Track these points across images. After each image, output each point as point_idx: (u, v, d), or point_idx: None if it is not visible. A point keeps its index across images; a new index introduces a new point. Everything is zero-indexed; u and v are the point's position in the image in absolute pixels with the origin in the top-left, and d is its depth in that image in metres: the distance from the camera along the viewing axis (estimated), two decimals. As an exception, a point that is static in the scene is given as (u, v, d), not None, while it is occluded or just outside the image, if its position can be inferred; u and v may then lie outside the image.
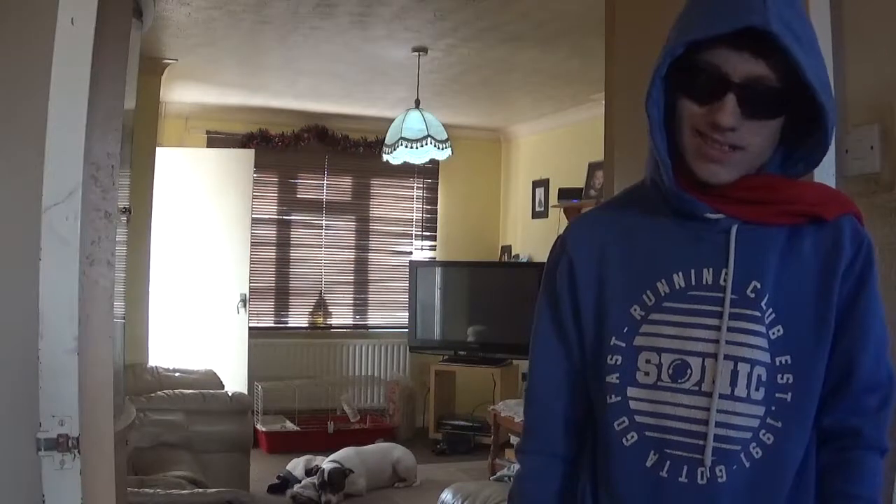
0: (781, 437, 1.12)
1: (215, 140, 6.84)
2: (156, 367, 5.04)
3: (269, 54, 5.21)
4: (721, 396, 1.11)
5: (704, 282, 1.15)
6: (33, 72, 1.54)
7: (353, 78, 5.77)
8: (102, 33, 1.58)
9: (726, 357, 1.12)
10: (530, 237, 7.31)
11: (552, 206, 6.68)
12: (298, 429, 6.51)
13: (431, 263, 7.45)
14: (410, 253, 7.66)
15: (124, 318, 2.73)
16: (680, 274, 1.16)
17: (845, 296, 1.14)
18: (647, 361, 1.16)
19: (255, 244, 6.69)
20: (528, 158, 7.53)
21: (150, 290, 5.25)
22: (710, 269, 1.15)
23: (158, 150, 5.33)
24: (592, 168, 6.18)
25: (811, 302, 1.14)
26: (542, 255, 6.77)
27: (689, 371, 1.13)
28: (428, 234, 7.76)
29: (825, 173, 1.79)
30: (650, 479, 1.14)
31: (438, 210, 7.74)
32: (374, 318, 7.54)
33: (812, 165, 1.18)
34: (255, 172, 6.43)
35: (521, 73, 5.52)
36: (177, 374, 4.99)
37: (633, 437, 1.15)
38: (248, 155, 6.44)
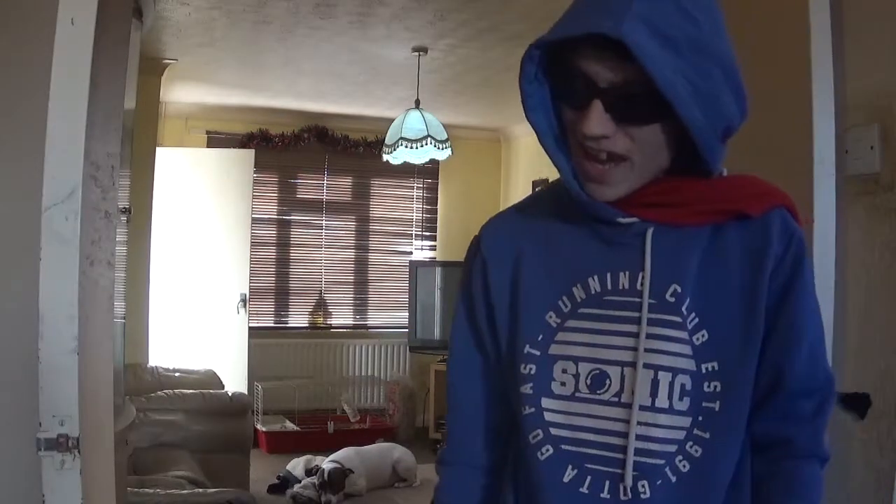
0: (710, 449, 1.05)
1: (215, 140, 6.85)
2: (156, 367, 5.04)
3: (269, 54, 5.21)
4: (641, 408, 1.05)
5: (621, 286, 1.08)
6: (33, 72, 1.54)
7: (353, 78, 5.77)
8: (102, 33, 1.58)
9: (646, 366, 1.05)
10: (530, 237, 7.29)
11: (552, 206, 6.67)
12: (298, 429, 6.51)
13: (431, 263, 7.45)
14: (410, 253, 7.66)
15: (124, 318, 2.73)
16: (595, 278, 1.10)
17: (775, 294, 1.06)
18: (564, 371, 1.09)
19: (255, 244, 6.69)
20: (528, 158, 7.53)
21: (150, 290, 5.25)
22: (627, 273, 1.08)
23: (158, 150, 5.33)
24: (592, 168, 6.17)
25: (737, 303, 1.06)
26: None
27: (608, 381, 1.07)
28: (428, 234, 7.76)
29: (825, 173, 1.78)
30: (570, 495, 1.07)
31: (438, 210, 7.74)
32: (374, 318, 7.54)
33: (708, 170, 1.07)
34: (255, 172, 6.43)
35: (521, 73, 5.51)
36: (177, 374, 4.99)
37: (548, 450, 1.09)
38: (248, 155, 6.44)
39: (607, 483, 1.06)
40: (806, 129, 1.78)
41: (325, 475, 4.98)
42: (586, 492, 1.06)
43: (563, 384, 1.09)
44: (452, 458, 1.23)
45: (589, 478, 1.07)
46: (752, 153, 1.91)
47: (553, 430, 1.09)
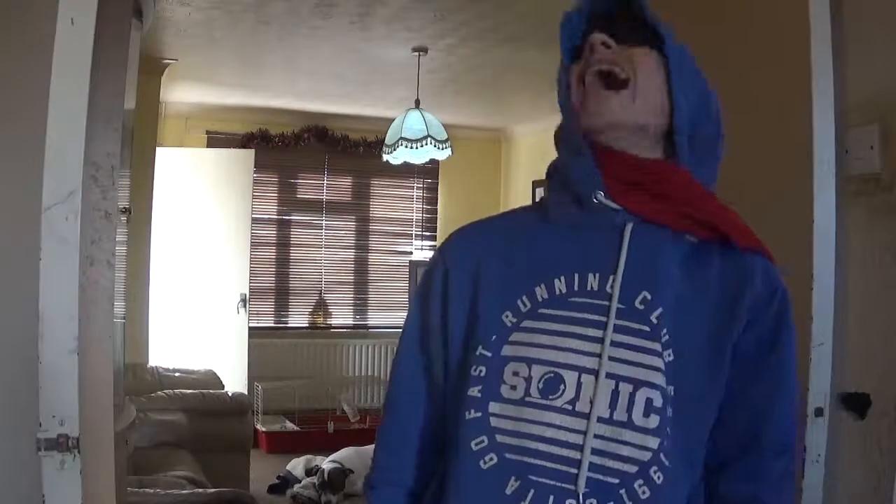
0: (671, 478, 0.98)
1: (215, 140, 6.85)
2: (156, 367, 5.03)
3: (269, 54, 5.21)
4: (599, 419, 0.97)
5: (589, 287, 1.03)
6: (33, 72, 1.54)
7: (353, 78, 5.77)
8: (102, 33, 1.58)
9: (608, 375, 0.98)
10: (530, 237, 7.29)
11: (552, 206, 6.67)
12: (298, 429, 6.51)
13: (431, 263, 7.45)
14: (410, 253, 7.66)
15: (124, 318, 2.73)
16: (562, 278, 1.04)
17: (754, 347, 1.03)
18: (515, 374, 1.02)
19: (255, 244, 6.69)
20: (528, 158, 7.53)
21: (150, 290, 5.24)
22: (597, 275, 1.03)
23: (158, 150, 5.32)
24: (592, 168, 6.17)
25: (707, 337, 1.02)
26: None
27: (562, 386, 0.99)
28: (428, 234, 7.75)
29: (825, 173, 1.78)
30: None
31: (438, 210, 7.74)
32: (374, 318, 7.54)
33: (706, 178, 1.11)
34: (255, 172, 6.42)
35: (521, 73, 5.52)
36: (177, 374, 4.99)
37: (491, 459, 1.00)
38: (248, 155, 6.44)
39: (551, 498, 0.97)
40: (806, 129, 1.78)
41: (325, 475, 4.98)
42: None
43: (512, 388, 1.02)
44: (381, 481, 1.16)
45: (532, 491, 0.98)
46: (753, 153, 1.91)
47: (499, 437, 1.01)
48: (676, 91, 1.04)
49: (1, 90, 1.59)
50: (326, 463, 5.12)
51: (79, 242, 1.50)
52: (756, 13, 1.96)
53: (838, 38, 1.78)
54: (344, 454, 5.27)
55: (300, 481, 5.17)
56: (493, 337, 1.05)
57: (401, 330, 1.18)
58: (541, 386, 1.00)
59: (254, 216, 6.42)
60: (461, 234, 1.17)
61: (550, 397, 1.00)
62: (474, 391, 1.04)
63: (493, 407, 1.02)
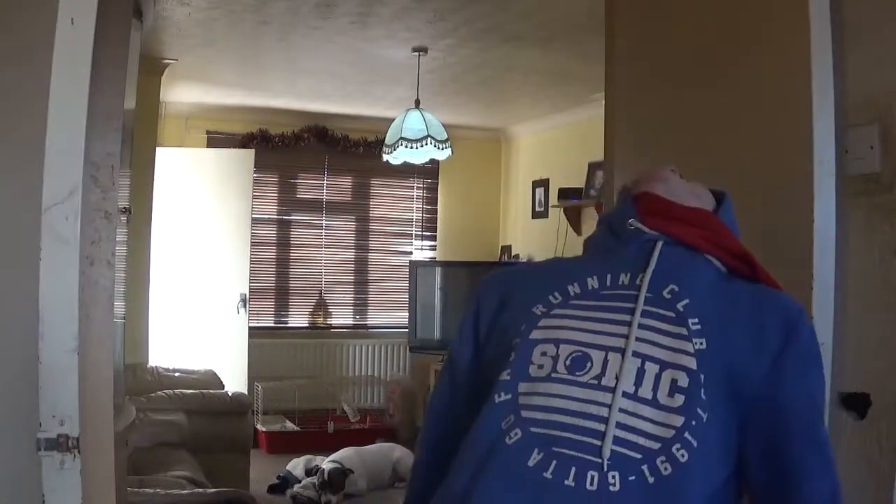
0: (698, 458, 0.98)
1: (215, 140, 6.85)
2: (156, 367, 5.03)
3: (269, 54, 5.21)
4: (624, 394, 1.01)
5: (620, 282, 1.11)
6: (33, 72, 1.54)
7: (353, 78, 5.77)
8: (102, 33, 1.58)
9: (634, 354, 1.03)
10: (530, 237, 7.30)
11: (552, 206, 6.68)
12: (298, 429, 6.51)
13: (431, 263, 7.45)
14: (410, 253, 7.66)
15: (124, 318, 2.73)
16: (595, 277, 1.13)
17: (789, 381, 1.05)
18: (543, 354, 1.07)
19: (255, 244, 6.69)
20: (528, 158, 7.53)
21: (150, 290, 5.25)
22: (629, 274, 1.12)
23: (158, 150, 5.33)
24: (592, 168, 6.18)
25: (739, 343, 1.05)
26: (542, 255, 6.76)
27: (588, 364, 1.04)
28: (428, 234, 7.76)
29: (825, 173, 1.78)
30: (532, 481, 0.99)
31: (438, 210, 7.74)
32: (374, 318, 7.54)
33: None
34: (255, 172, 6.43)
35: (521, 73, 5.52)
36: (177, 374, 4.98)
37: (516, 434, 1.03)
38: (248, 155, 6.44)
39: (573, 469, 0.98)
40: (806, 129, 1.78)
41: (325, 475, 4.98)
42: (549, 477, 0.99)
43: (540, 367, 1.07)
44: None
45: (554, 462, 0.99)
46: (753, 153, 1.91)
47: (524, 413, 1.04)
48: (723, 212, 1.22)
49: (1, 90, 1.59)
50: (326, 463, 5.12)
51: (79, 242, 1.50)
52: (755, 12, 1.96)
53: (838, 37, 1.78)
54: (344, 454, 5.27)
55: (300, 481, 5.17)
56: (523, 327, 1.11)
57: (402, 331, 1.27)
58: (568, 363, 1.05)
59: (254, 216, 6.42)
60: (495, 273, 1.30)
61: (577, 373, 1.04)
62: (505, 375, 1.09)
63: (522, 387, 1.07)
